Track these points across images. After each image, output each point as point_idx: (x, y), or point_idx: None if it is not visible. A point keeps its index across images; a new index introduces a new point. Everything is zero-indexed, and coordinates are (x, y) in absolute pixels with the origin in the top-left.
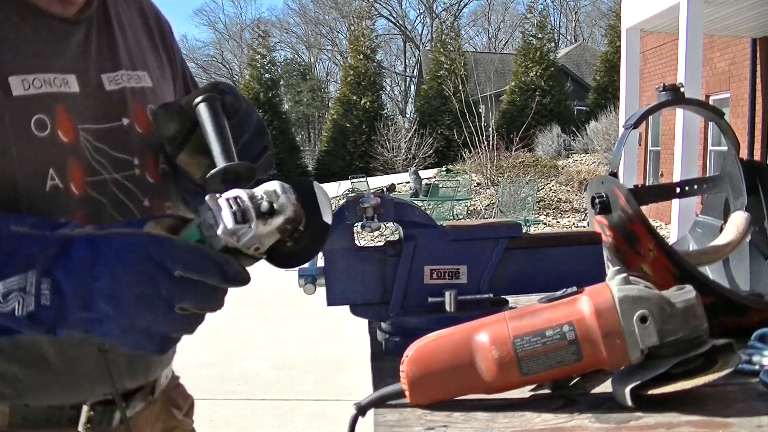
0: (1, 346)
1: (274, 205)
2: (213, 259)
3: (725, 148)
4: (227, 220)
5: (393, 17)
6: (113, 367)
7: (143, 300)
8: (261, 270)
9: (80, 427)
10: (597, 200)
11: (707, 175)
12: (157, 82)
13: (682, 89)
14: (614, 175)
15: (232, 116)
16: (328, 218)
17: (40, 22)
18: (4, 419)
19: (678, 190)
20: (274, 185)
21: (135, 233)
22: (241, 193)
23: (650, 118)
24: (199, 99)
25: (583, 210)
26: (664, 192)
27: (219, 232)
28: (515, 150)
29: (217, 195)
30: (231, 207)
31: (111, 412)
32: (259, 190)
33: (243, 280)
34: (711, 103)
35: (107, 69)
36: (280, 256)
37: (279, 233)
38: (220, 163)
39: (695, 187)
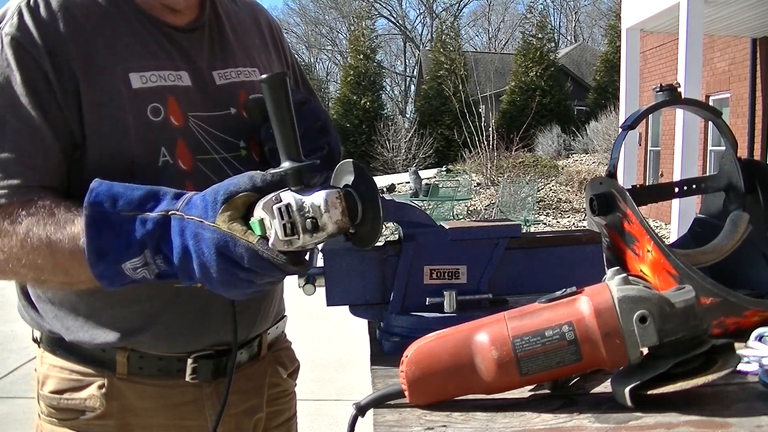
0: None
1: (318, 222)
2: (270, 261)
3: (725, 147)
4: (279, 231)
5: (393, 17)
6: (216, 321)
7: (226, 282)
8: None
9: (187, 378)
10: (595, 201)
11: (707, 174)
12: None
13: (679, 89)
14: (612, 175)
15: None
16: (379, 207)
17: (157, 29)
18: (123, 368)
19: (676, 189)
20: (320, 200)
21: (209, 227)
22: (293, 202)
23: (650, 118)
24: (264, 77)
25: (583, 210)
26: (663, 192)
27: (271, 242)
28: (515, 150)
29: (273, 199)
30: (282, 218)
31: (214, 366)
32: (308, 201)
33: (301, 273)
34: (711, 103)
35: (218, 67)
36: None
37: (328, 239)
38: (284, 157)
39: (694, 186)
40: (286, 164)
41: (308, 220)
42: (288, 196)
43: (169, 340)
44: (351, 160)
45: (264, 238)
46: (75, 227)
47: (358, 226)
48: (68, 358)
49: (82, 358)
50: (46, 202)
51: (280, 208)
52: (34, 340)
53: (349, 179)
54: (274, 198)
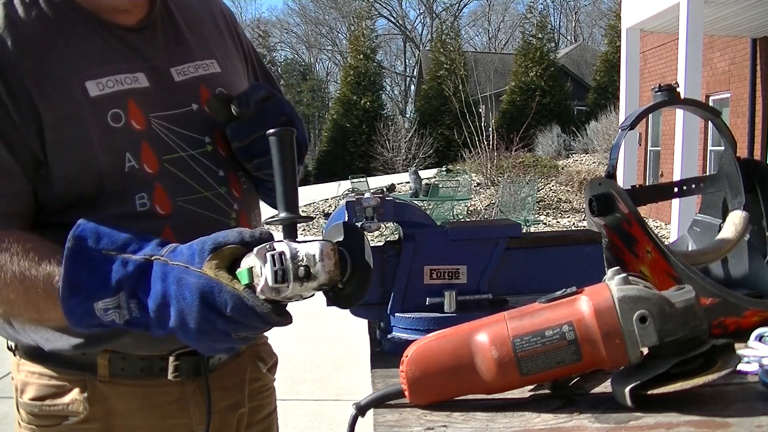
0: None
1: (311, 270)
2: (254, 310)
3: (724, 147)
4: (269, 277)
5: (393, 17)
6: None
7: (203, 331)
8: None
9: (169, 376)
10: (594, 202)
11: (707, 174)
12: (225, 67)
13: (677, 89)
14: (611, 176)
15: (245, 111)
16: (370, 263)
17: (108, 33)
18: (105, 370)
19: (676, 189)
20: (315, 249)
21: (194, 272)
22: (287, 250)
23: (650, 118)
24: (272, 131)
25: (583, 210)
26: (662, 192)
27: (259, 288)
28: (515, 150)
29: (267, 247)
30: (274, 264)
31: (196, 363)
32: (302, 251)
33: (283, 325)
34: (711, 103)
35: (176, 63)
36: (327, 298)
37: (315, 291)
38: (281, 208)
39: (693, 186)
40: (282, 215)
41: (301, 268)
42: (282, 245)
43: (151, 340)
44: (343, 222)
45: (250, 287)
46: (50, 265)
47: (345, 283)
48: (47, 365)
49: (61, 363)
50: (21, 236)
51: (273, 255)
52: (9, 349)
53: (340, 238)
54: (267, 246)
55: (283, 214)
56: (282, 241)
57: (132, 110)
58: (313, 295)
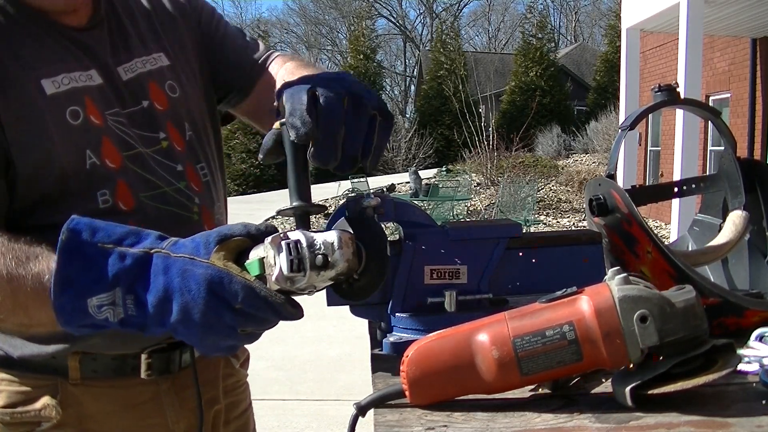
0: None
1: (329, 259)
2: (268, 301)
3: (724, 147)
4: (284, 266)
5: (393, 17)
6: None
7: (209, 326)
8: None
9: (142, 375)
10: (594, 202)
11: (707, 174)
12: (175, 57)
13: (677, 89)
14: (611, 176)
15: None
16: (387, 256)
17: (58, 33)
18: (76, 373)
19: (676, 189)
20: (333, 237)
21: (201, 263)
22: (303, 239)
23: (650, 117)
24: (282, 121)
25: (583, 210)
26: (662, 192)
27: (274, 277)
28: (515, 150)
29: (281, 236)
30: (290, 253)
31: (168, 360)
32: (319, 239)
33: (296, 318)
34: (711, 103)
35: (122, 61)
36: (339, 291)
37: (331, 281)
38: (293, 197)
39: (693, 186)
40: (295, 203)
41: (319, 256)
42: (297, 234)
43: (124, 336)
44: (359, 214)
45: (261, 279)
46: (39, 264)
47: (360, 274)
48: (16, 371)
49: (31, 368)
50: (3, 236)
51: (288, 244)
52: None
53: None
54: (281, 235)
55: (295, 203)
56: (296, 230)
57: (89, 107)
58: (325, 287)
